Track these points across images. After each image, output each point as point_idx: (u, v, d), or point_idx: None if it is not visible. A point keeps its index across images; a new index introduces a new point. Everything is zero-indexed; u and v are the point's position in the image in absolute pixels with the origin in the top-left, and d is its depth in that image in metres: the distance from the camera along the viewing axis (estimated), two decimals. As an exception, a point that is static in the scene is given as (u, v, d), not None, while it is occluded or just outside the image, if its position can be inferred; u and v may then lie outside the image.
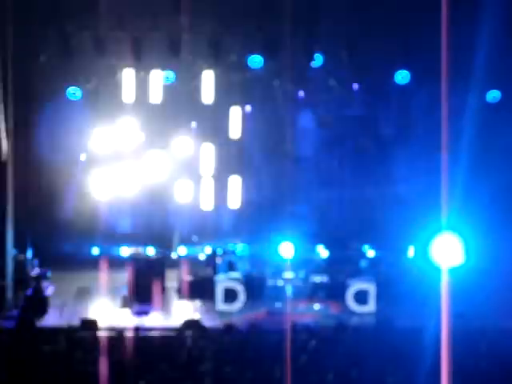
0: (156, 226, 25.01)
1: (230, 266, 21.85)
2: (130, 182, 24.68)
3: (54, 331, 16.04)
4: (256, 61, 23.20)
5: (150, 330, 17.68)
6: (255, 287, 21.11)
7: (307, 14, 22.17)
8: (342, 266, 22.02)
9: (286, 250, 20.75)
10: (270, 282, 21.27)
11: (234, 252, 22.44)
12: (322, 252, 22.44)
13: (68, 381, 13.11)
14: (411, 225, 21.52)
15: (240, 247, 22.59)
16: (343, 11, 22.01)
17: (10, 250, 20.34)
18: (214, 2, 22.09)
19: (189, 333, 16.48)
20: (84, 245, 24.06)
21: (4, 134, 20.32)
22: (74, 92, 23.18)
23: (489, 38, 20.02)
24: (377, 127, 25.43)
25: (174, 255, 24.22)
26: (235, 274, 21.42)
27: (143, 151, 24.82)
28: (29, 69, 22.17)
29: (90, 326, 17.27)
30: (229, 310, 20.32)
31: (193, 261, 23.31)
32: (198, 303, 21.29)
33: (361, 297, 20.63)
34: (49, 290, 21.04)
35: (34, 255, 22.31)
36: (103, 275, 21.53)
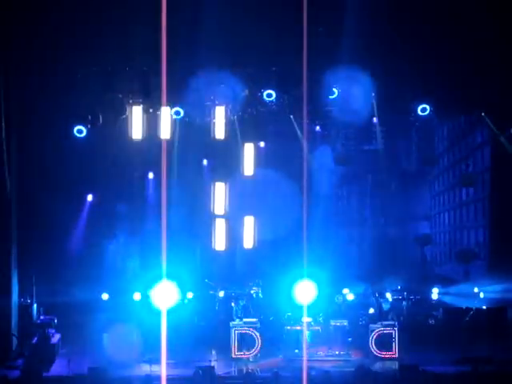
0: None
1: (245, 311, 21.16)
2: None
3: (61, 381, 15.51)
4: (270, 95, 22.48)
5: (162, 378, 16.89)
6: (272, 333, 20.29)
7: (323, 47, 21.58)
8: (363, 310, 21.37)
9: (305, 295, 19.72)
10: (287, 327, 20.41)
11: (249, 295, 21.77)
12: (346, 294, 21.75)
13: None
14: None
15: (255, 290, 21.93)
16: (360, 45, 21.40)
17: (15, 297, 19.77)
18: (226, 36, 21.53)
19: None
20: (92, 290, 23.47)
21: (7, 173, 19.74)
22: (80, 130, 22.61)
23: None
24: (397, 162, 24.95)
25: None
26: (251, 319, 20.61)
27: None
28: (35, 106, 21.66)
29: (98, 374, 16.59)
30: (244, 357, 19.51)
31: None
32: (212, 350, 20.51)
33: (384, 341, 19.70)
34: (55, 337, 20.32)
35: (40, 301, 21.65)
36: (112, 321, 20.91)
